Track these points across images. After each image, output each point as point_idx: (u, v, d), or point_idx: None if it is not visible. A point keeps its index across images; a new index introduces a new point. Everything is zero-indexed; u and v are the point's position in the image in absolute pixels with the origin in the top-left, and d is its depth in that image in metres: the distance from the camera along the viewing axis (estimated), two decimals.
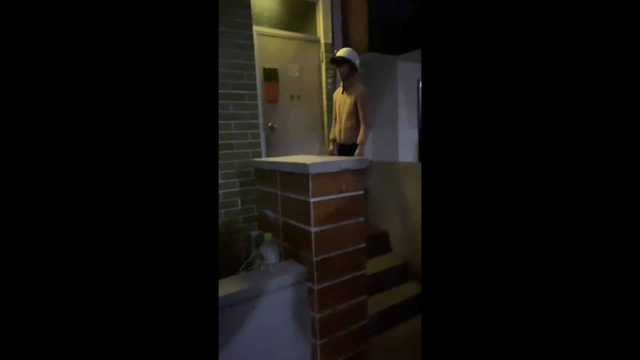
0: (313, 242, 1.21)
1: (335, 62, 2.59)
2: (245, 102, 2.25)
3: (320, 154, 3.22)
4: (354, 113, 2.54)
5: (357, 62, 2.56)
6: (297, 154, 3.32)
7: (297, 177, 1.24)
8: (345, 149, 2.62)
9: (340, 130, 2.69)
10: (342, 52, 2.55)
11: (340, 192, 1.26)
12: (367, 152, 3.56)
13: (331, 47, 3.38)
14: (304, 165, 1.18)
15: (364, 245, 1.35)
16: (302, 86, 3.30)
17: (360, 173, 1.31)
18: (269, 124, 3.12)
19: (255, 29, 2.98)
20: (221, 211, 2.21)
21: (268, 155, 3.13)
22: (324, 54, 3.35)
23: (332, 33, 3.39)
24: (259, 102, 3.02)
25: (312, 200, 1.19)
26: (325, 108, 3.42)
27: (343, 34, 3.48)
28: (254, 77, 2.28)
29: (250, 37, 2.22)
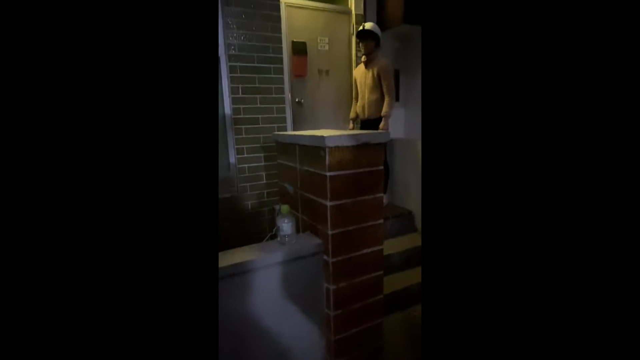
0: (329, 216, 1.20)
1: (361, 35, 2.53)
2: (272, 75, 2.23)
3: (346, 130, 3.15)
4: (377, 86, 2.49)
5: (380, 37, 2.54)
6: (323, 128, 3.28)
7: (315, 150, 1.22)
8: (371, 123, 2.58)
9: (364, 106, 2.65)
10: (369, 26, 2.50)
11: (359, 166, 1.23)
12: (397, 129, 3.45)
13: (362, 19, 3.23)
14: (321, 138, 1.15)
15: (381, 221, 1.32)
16: (331, 60, 3.20)
17: (380, 147, 1.26)
18: (297, 99, 3.08)
19: (285, 0, 2.90)
20: (246, 185, 2.26)
21: (294, 130, 3.12)
22: (354, 26, 3.22)
23: (364, 4, 3.23)
24: (286, 76, 2.99)
25: (328, 174, 1.17)
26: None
27: (377, 5, 3.31)
28: (280, 50, 2.24)
29: (277, 8, 2.16)
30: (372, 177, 1.26)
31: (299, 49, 3.02)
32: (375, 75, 2.49)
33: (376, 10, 3.32)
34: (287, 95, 3.03)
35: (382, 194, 1.31)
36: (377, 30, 2.52)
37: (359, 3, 3.21)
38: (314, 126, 3.23)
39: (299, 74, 3.06)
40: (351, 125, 2.92)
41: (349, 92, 3.33)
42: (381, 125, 2.48)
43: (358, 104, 2.75)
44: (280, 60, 2.23)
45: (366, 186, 1.26)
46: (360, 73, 2.66)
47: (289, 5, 2.94)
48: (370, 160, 1.24)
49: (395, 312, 1.97)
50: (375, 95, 2.53)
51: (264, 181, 2.32)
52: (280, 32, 2.25)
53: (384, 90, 2.47)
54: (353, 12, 3.22)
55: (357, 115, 2.82)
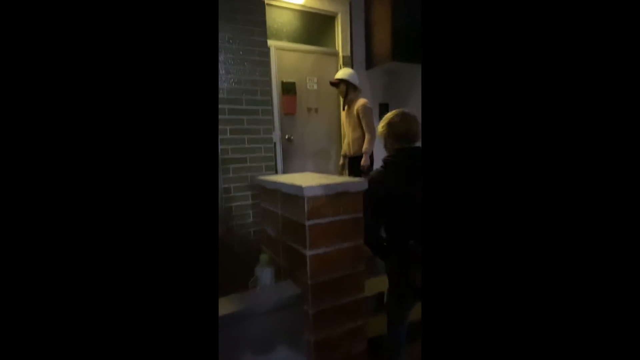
0: (308, 266, 1.18)
1: (332, 84, 2.75)
2: (260, 117, 2.27)
3: (336, 166, 3.19)
4: (358, 125, 2.61)
5: (355, 81, 2.68)
6: (313, 165, 3.32)
7: (295, 199, 1.22)
8: (356, 160, 2.67)
9: (348, 143, 2.76)
10: (338, 74, 2.71)
11: (338, 214, 1.23)
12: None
13: (349, 60, 3.36)
14: (300, 187, 1.16)
15: (362, 268, 1.30)
16: (319, 99, 3.30)
17: (358, 195, 1.27)
18: (286, 136, 3.14)
19: (275, 43, 3.03)
20: (233, 224, 2.24)
21: (285, 167, 3.15)
22: (341, 67, 3.34)
23: (351, 45, 3.37)
24: (276, 115, 3.06)
25: (307, 223, 1.17)
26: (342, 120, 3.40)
27: (366, 44, 3.45)
28: (268, 92, 2.30)
29: (265, 54, 2.25)
30: (353, 224, 1.26)
31: (289, 89, 3.11)
32: (355, 115, 2.62)
33: (364, 49, 3.45)
34: (277, 133, 3.09)
35: (360, 241, 1.30)
36: (348, 75, 2.67)
37: (345, 45, 3.35)
38: (303, 162, 3.26)
39: (288, 111, 3.14)
40: (342, 161, 3.00)
41: (337, 129, 3.40)
42: (362, 160, 2.56)
43: (345, 141, 2.87)
44: (268, 102, 2.30)
45: (347, 233, 1.25)
46: (344, 114, 2.81)
47: (278, 49, 3.06)
48: (349, 207, 1.25)
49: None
50: (357, 133, 2.64)
51: (251, 219, 2.31)
52: (269, 76, 2.33)
53: (365, 128, 2.58)
54: (340, 53, 3.35)
55: (345, 153, 2.90)
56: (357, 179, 1.29)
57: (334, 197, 1.21)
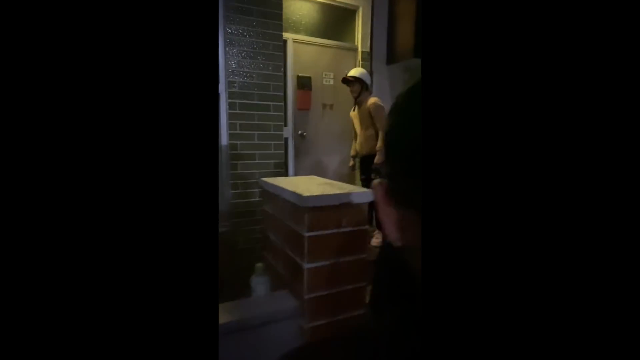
0: (305, 278, 1.11)
1: (346, 81, 2.61)
2: (271, 113, 2.20)
3: (347, 164, 3.08)
4: (371, 123, 2.51)
5: (368, 81, 2.58)
6: (326, 162, 3.24)
7: (295, 207, 1.15)
8: (368, 160, 2.56)
9: (361, 143, 2.64)
10: (352, 72, 2.57)
11: (340, 226, 1.15)
12: None
13: (369, 56, 3.22)
14: (301, 196, 1.08)
15: (364, 283, 1.22)
16: (335, 95, 3.19)
17: (362, 206, 1.19)
18: (299, 132, 3.06)
19: (292, 36, 2.93)
20: (240, 220, 2.20)
21: (296, 164, 3.08)
22: (360, 63, 3.21)
23: (371, 41, 3.23)
24: (290, 109, 2.98)
25: (307, 234, 1.10)
26: None
27: (387, 39, 3.32)
28: (280, 88, 2.23)
29: (279, 47, 2.16)
30: (355, 237, 1.18)
31: (304, 83, 3.02)
32: (367, 114, 2.51)
33: (386, 44, 3.33)
34: (290, 128, 3.01)
35: (365, 255, 1.22)
36: (363, 75, 2.56)
37: (365, 40, 3.21)
38: (315, 158, 3.19)
39: (303, 107, 3.05)
40: (351, 162, 2.91)
41: (352, 126, 3.29)
42: (376, 159, 2.44)
43: (357, 141, 2.75)
44: (281, 98, 2.22)
45: (348, 247, 1.17)
46: (354, 114, 2.69)
47: (295, 41, 2.96)
48: (352, 219, 1.17)
49: None
50: (370, 131, 2.54)
51: (257, 217, 2.26)
52: (282, 70, 2.24)
53: (377, 125, 2.48)
54: (359, 49, 3.22)
55: (356, 153, 2.80)
56: (362, 190, 1.20)
57: (337, 208, 1.13)
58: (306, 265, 1.11)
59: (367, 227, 1.21)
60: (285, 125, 2.99)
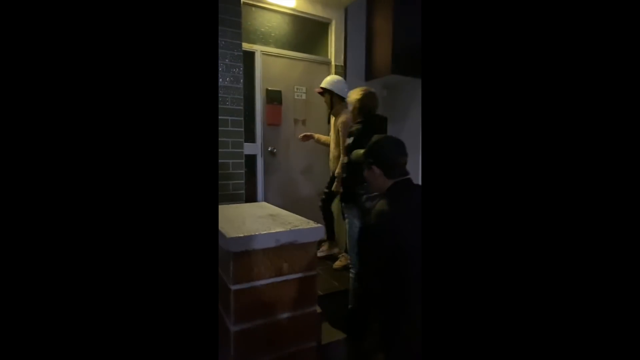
0: (232, 345, 0.83)
1: (318, 93, 2.33)
2: (229, 128, 1.94)
3: (321, 184, 2.81)
4: (337, 142, 2.17)
5: (341, 92, 2.23)
6: (299, 181, 2.97)
7: (221, 250, 0.87)
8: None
9: (331, 160, 2.33)
10: (323, 83, 2.27)
11: (280, 274, 0.88)
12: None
13: (342, 70, 3.02)
14: (225, 238, 0.81)
15: (313, 343, 0.94)
16: (308, 110, 2.95)
17: (311, 246, 0.92)
18: (269, 149, 2.80)
19: (261, 48, 2.71)
20: None
21: (266, 183, 2.80)
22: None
23: (345, 54, 3.04)
24: (259, 125, 2.73)
25: (233, 287, 0.82)
26: None
27: (366, 55, 3.15)
28: (240, 101, 1.97)
29: (238, 58, 1.92)
30: (302, 286, 0.91)
31: (273, 98, 2.78)
32: (336, 130, 2.19)
33: (365, 60, 3.15)
34: (259, 144, 2.76)
35: (314, 308, 0.94)
36: (331, 85, 2.22)
37: (339, 54, 3.02)
38: (286, 176, 2.92)
39: (272, 122, 2.80)
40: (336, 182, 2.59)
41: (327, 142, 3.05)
42: (334, 185, 2.14)
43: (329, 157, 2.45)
44: (240, 112, 1.96)
45: (292, 300, 0.90)
46: (330, 127, 2.39)
47: (265, 54, 2.74)
48: (296, 264, 0.90)
49: None
50: (337, 151, 2.19)
51: None
52: (241, 83, 1.99)
53: (340, 146, 2.09)
54: (333, 62, 3.02)
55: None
56: (311, 225, 0.94)
57: (275, 251, 0.86)
58: (233, 328, 0.82)
59: (316, 272, 0.94)
60: (254, 141, 2.73)
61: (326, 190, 2.42)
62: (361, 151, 1.29)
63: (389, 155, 1.07)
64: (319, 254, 2.48)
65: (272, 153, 2.82)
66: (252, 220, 0.97)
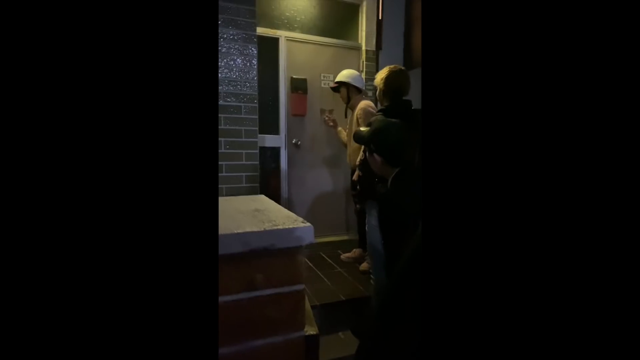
0: None
1: (333, 89, 2.19)
2: (242, 116, 1.76)
3: (348, 177, 2.55)
4: None
5: (357, 82, 2.09)
6: (323, 174, 2.74)
7: None
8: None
9: (349, 154, 2.11)
10: (338, 77, 2.13)
11: (252, 287, 0.65)
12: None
13: (374, 55, 2.72)
14: None
15: None
16: (336, 99, 2.70)
17: (295, 253, 0.68)
18: (293, 141, 2.59)
19: (285, 34, 2.51)
20: None
21: (289, 176, 2.60)
22: (364, 63, 2.71)
23: (378, 39, 2.72)
24: (283, 115, 2.53)
25: None
26: None
27: (404, 43, 2.82)
28: (255, 87, 1.77)
29: (250, 39, 1.72)
30: (283, 303, 0.68)
31: (298, 86, 2.57)
32: (355, 120, 1.97)
33: (403, 48, 2.82)
34: (283, 136, 2.57)
35: (302, 332, 0.70)
36: (347, 77, 2.07)
37: (370, 38, 2.71)
38: (311, 170, 2.70)
39: (297, 112, 2.59)
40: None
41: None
42: (354, 176, 1.91)
43: (347, 152, 2.22)
44: (254, 98, 1.76)
45: (269, 320, 0.67)
46: (348, 121, 2.17)
47: (289, 39, 2.53)
48: (274, 276, 0.66)
49: None
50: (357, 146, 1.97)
51: None
52: (254, 69, 1.79)
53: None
54: (363, 47, 2.73)
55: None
56: (298, 225, 0.69)
57: (245, 258, 0.64)
58: None
59: (303, 286, 0.69)
60: (278, 133, 2.55)
61: (353, 193, 2.18)
62: (364, 131, 1.07)
63: (395, 144, 0.91)
64: (344, 259, 2.24)
65: (296, 145, 2.62)
66: (226, 216, 0.76)
